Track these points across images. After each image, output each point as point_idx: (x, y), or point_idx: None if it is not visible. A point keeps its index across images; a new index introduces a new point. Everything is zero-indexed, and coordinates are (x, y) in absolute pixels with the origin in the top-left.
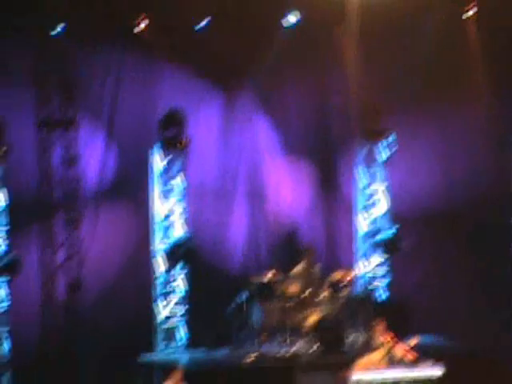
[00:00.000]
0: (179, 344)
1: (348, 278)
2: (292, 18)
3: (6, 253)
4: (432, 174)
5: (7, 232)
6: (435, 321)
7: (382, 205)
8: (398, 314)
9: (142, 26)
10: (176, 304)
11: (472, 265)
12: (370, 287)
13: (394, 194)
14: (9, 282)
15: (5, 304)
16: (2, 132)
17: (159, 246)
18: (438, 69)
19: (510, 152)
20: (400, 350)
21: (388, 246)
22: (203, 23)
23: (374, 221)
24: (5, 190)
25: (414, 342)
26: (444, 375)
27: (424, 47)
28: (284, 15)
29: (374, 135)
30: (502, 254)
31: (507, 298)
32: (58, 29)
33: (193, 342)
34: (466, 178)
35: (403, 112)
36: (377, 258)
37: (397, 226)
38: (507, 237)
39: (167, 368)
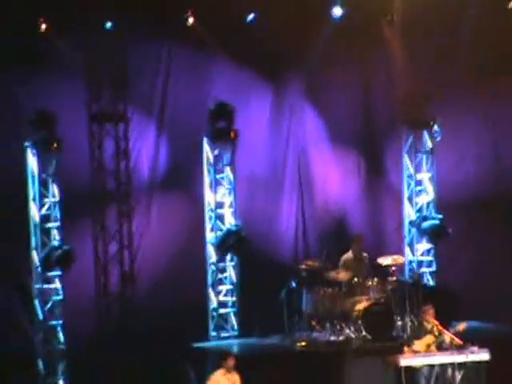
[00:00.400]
0: (231, 331)
1: (396, 265)
2: (338, 10)
3: (60, 246)
4: (479, 161)
5: (61, 225)
6: (482, 307)
7: (429, 192)
8: (446, 300)
9: (192, 19)
10: (227, 292)
11: None
12: (417, 273)
13: (440, 181)
14: (63, 275)
15: (59, 296)
16: (54, 126)
17: (210, 235)
18: (483, 56)
19: None
20: (448, 335)
21: (434, 234)
22: (252, 16)
23: (421, 208)
24: (58, 184)
25: (461, 327)
26: (490, 360)
27: (468, 35)
28: (331, 7)
29: (420, 124)
30: None
31: None
32: (109, 23)
33: (244, 329)
34: None
35: (449, 100)
36: (424, 245)
37: (443, 213)
38: None
39: (219, 355)
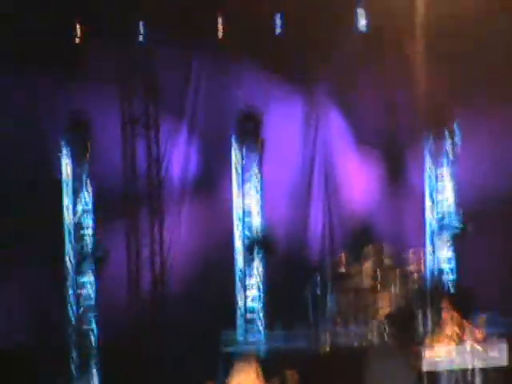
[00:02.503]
0: (258, 336)
1: (418, 265)
2: (363, 21)
3: (94, 250)
4: (499, 163)
5: (94, 229)
6: (502, 304)
7: (449, 194)
8: (466, 298)
9: (221, 30)
10: (255, 298)
11: None
12: (438, 273)
13: (460, 183)
14: (96, 278)
15: (91, 301)
16: (89, 130)
17: (238, 242)
18: (501, 59)
19: None
20: (469, 330)
21: (455, 234)
22: (279, 23)
23: (442, 209)
24: (92, 189)
25: (481, 320)
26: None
27: (489, 41)
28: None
29: (441, 127)
30: None
31: None
32: (142, 31)
33: (271, 329)
34: None
35: (468, 104)
36: (445, 245)
37: (464, 211)
38: None
39: (245, 357)
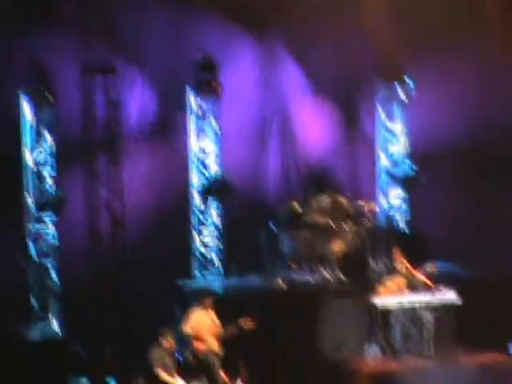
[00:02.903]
0: (213, 271)
1: (370, 210)
2: None
3: (54, 192)
4: (451, 111)
5: (54, 172)
6: (452, 251)
7: (402, 142)
8: (417, 244)
9: None
10: (211, 235)
11: (490, 198)
12: (390, 218)
13: (413, 131)
14: (56, 219)
15: (52, 238)
16: (48, 77)
17: (196, 181)
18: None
19: None
20: (419, 276)
21: (407, 181)
22: None
23: (394, 157)
24: (52, 133)
25: (431, 268)
26: (459, 301)
27: None
28: None
29: (394, 75)
30: None
31: None
32: None
33: (226, 270)
34: (486, 115)
35: (422, 51)
36: (396, 192)
37: (415, 161)
38: None
39: (200, 293)
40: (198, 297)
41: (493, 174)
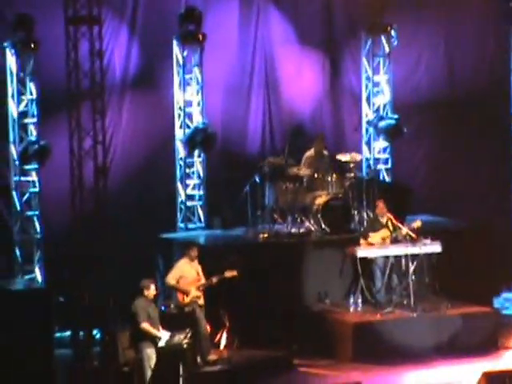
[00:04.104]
0: (198, 224)
1: (354, 162)
2: None
3: (37, 141)
4: (434, 64)
5: (38, 121)
6: (435, 202)
7: (386, 94)
8: (400, 195)
9: None
10: (195, 186)
11: (472, 150)
12: (374, 171)
13: (397, 83)
14: (39, 168)
15: (36, 189)
16: (32, 28)
17: (179, 132)
18: None
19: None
20: (403, 229)
21: (390, 132)
22: None
23: (378, 109)
24: (36, 82)
25: (416, 224)
26: (442, 252)
27: None
28: None
29: (378, 28)
30: (501, 139)
31: (505, 181)
32: None
33: (210, 223)
34: (468, 69)
35: (406, 5)
36: (380, 143)
37: (399, 113)
38: (507, 124)
39: (185, 245)
40: (182, 249)
41: (475, 124)
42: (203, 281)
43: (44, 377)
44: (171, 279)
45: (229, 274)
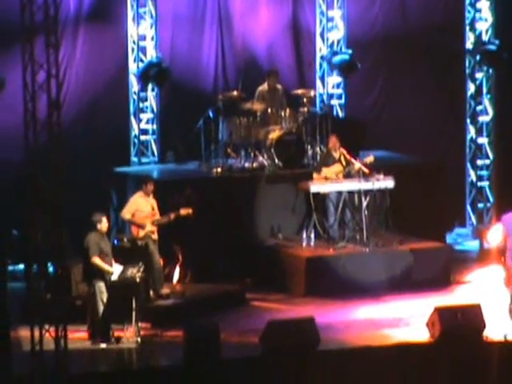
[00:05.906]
0: (151, 158)
1: (308, 97)
2: None
3: None
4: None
5: None
6: (389, 138)
7: (340, 29)
8: (354, 130)
9: None
10: (149, 120)
11: (427, 86)
12: (328, 106)
13: (350, 18)
14: None
15: None
16: None
17: (133, 66)
18: None
19: None
20: (356, 164)
21: (344, 67)
22: None
23: (332, 44)
24: None
25: (369, 159)
26: (395, 187)
27: None
28: None
29: None
30: (455, 75)
31: (459, 117)
32: None
33: (163, 156)
34: (423, 2)
35: None
36: (334, 79)
37: (353, 49)
38: (459, 60)
39: (139, 179)
40: (137, 183)
41: (430, 60)
42: (158, 216)
43: None
44: (127, 213)
45: (184, 211)
